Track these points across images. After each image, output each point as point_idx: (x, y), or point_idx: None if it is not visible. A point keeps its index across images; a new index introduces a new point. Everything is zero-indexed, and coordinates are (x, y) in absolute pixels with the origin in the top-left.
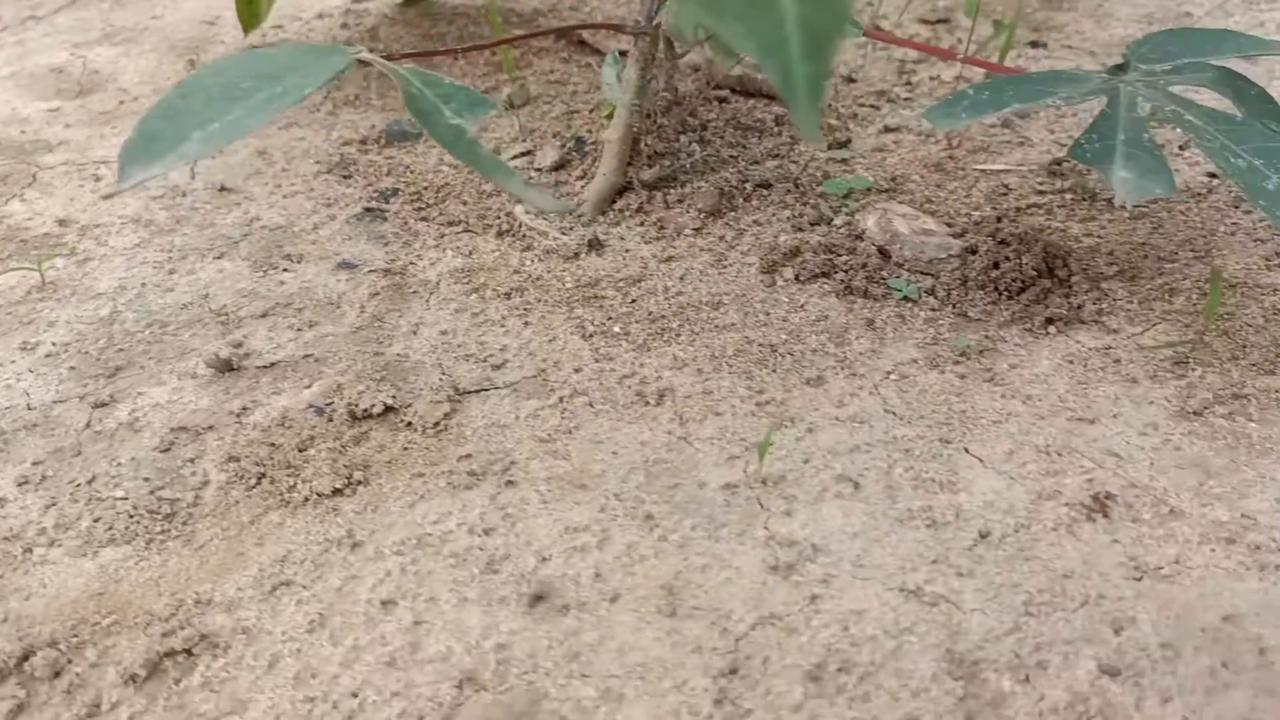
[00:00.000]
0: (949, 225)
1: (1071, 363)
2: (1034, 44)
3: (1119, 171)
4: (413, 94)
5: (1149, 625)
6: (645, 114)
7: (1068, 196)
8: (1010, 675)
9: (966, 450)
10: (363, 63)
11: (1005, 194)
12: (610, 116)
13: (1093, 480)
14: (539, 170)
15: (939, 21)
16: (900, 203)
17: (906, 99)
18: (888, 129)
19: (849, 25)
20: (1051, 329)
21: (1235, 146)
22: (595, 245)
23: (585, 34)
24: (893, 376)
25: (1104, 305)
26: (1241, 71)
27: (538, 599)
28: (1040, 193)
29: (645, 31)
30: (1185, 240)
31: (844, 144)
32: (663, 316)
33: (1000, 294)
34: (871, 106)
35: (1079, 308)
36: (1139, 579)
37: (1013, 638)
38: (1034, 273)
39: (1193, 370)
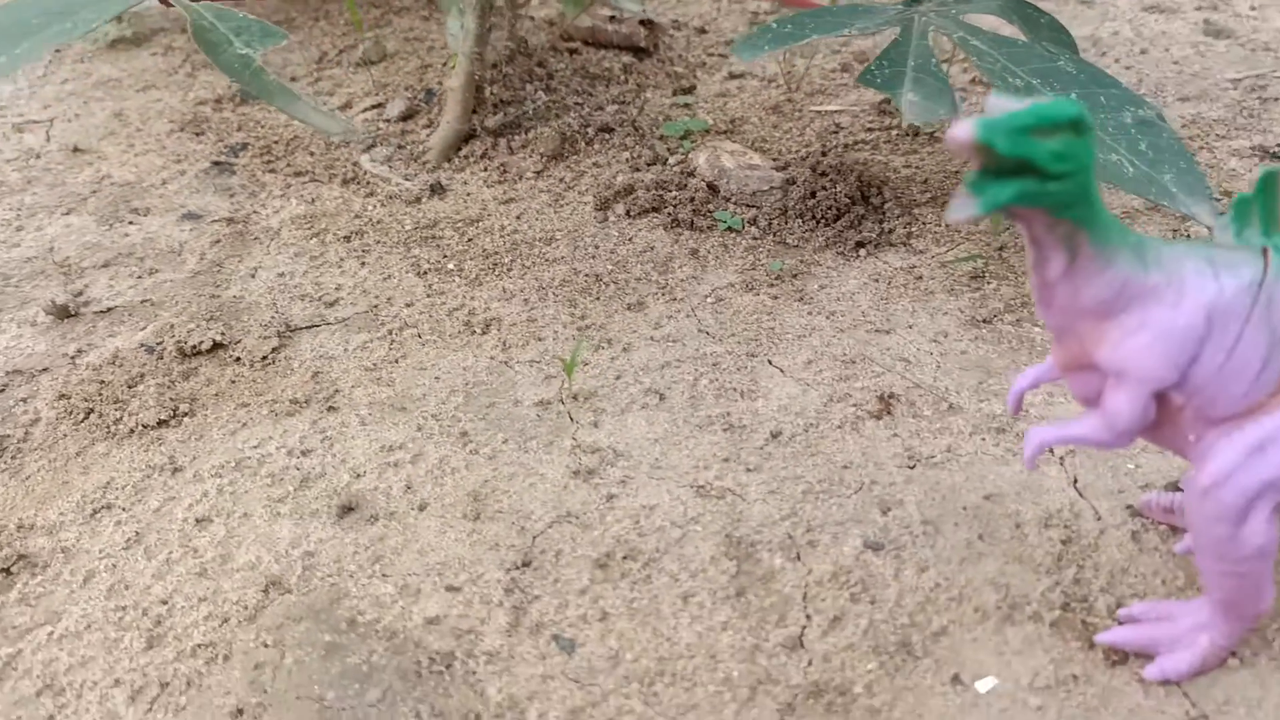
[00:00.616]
0: (774, 161)
1: (877, 281)
2: None
3: (907, 95)
4: (202, 26)
5: (915, 506)
6: (491, 63)
7: (893, 132)
8: (782, 554)
9: (770, 362)
10: (164, 2)
11: (836, 132)
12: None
13: (881, 383)
14: (387, 121)
15: None
16: (733, 142)
17: None
18: (732, 75)
19: None
20: (862, 252)
21: (1015, 68)
22: (437, 189)
23: None
24: (710, 300)
25: (913, 229)
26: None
27: (347, 510)
28: (869, 130)
29: None
30: None
31: (689, 90)
32: (496, 253)
33: (817, 221)
34: (720, 56)
35: (889, 232)
36: (912, 467)
37: (788, 522)
38: (848, 200)
39: (988, 284)
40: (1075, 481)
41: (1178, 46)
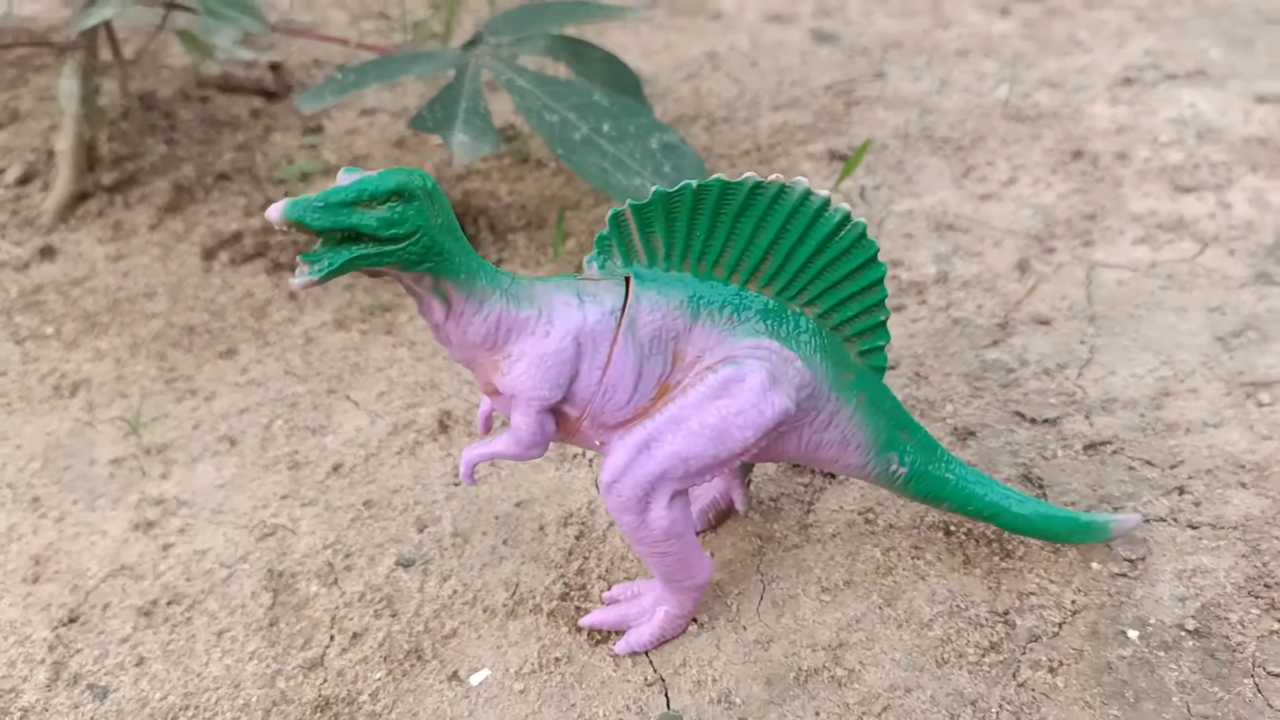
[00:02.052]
0: None
1: None
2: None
3: (459, 135)
4: None
5: (450, 521)
6: (109, 119)
7: (506, 161)
8: (319, 580)
9: (347, 397)
10: None
11: (451, 164)
12: None
13: (444, 407)
14: (5, 186)
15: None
16: None
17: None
18: (364, 112)
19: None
20: None
21: (554, 104)
22: (47, 253)
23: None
24: (301, 341)
25: (505, 254)
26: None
27: None
28: (485, 160)
29: (76, 45)
30: (590, 190)
31: (317, 130)
32: (96, 313)
33: None
34: (355, 95)
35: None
36: (456, 484)
37: (330, 550)
38: None
39: None
40: (598, 482)
41: (786, 55)
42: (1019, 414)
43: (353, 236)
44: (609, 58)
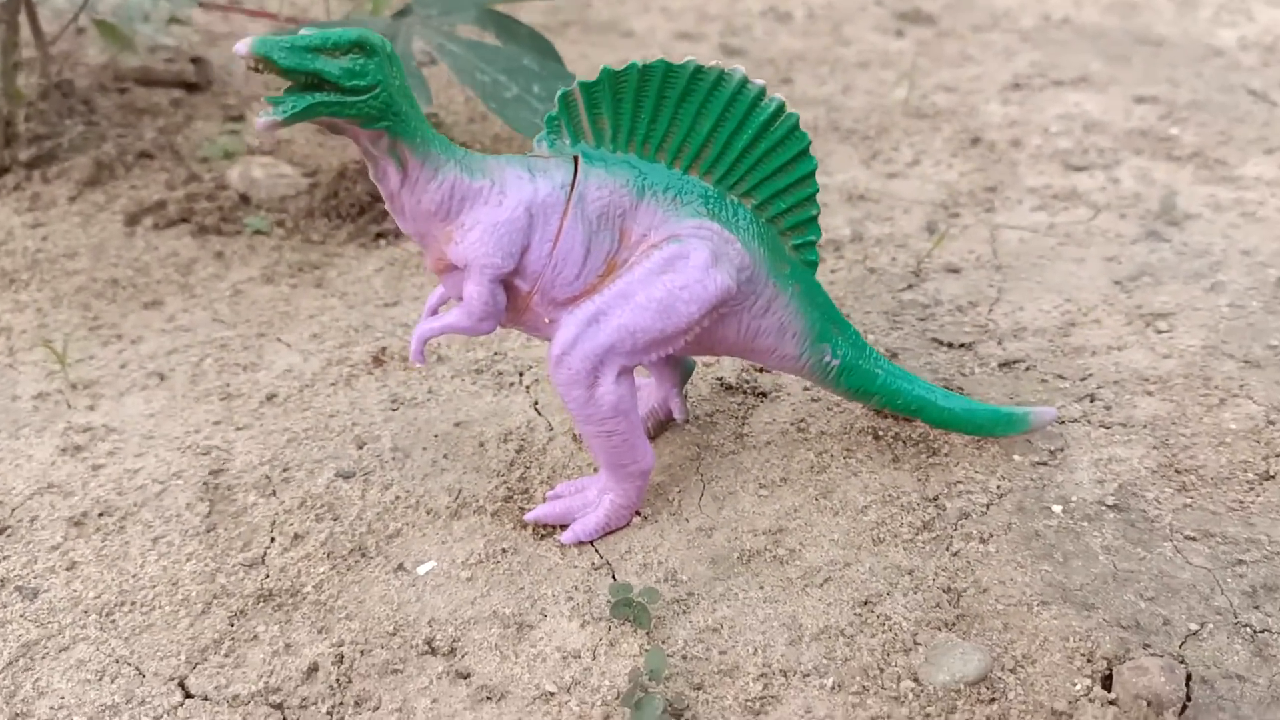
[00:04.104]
0: (305, 169)
1: (392, 265)
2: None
3: None
4: None
5: (389, 439)
6: (26, 100)
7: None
8: (256, 491)
9: (279, 339)
10: None
11: None
12: None
13: (379, 345)
14: None
15: None
16: (268, 156)
17: None
18: None
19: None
20: (382, 242)
21: (484, 66)
22: None
23: None
24: (229, 293)
25: None
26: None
27: None
28: None
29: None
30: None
31: (239, 118)
32: (14, 271)
33: (341, 218)
34: (276, 89)
35: None
36: (394, 409)
37: (267, 466)
38: (369, 198)
39: None
40: (536, 404)
41: None
42: (936, 340)
43: (315, 84)
44: (533, 33)
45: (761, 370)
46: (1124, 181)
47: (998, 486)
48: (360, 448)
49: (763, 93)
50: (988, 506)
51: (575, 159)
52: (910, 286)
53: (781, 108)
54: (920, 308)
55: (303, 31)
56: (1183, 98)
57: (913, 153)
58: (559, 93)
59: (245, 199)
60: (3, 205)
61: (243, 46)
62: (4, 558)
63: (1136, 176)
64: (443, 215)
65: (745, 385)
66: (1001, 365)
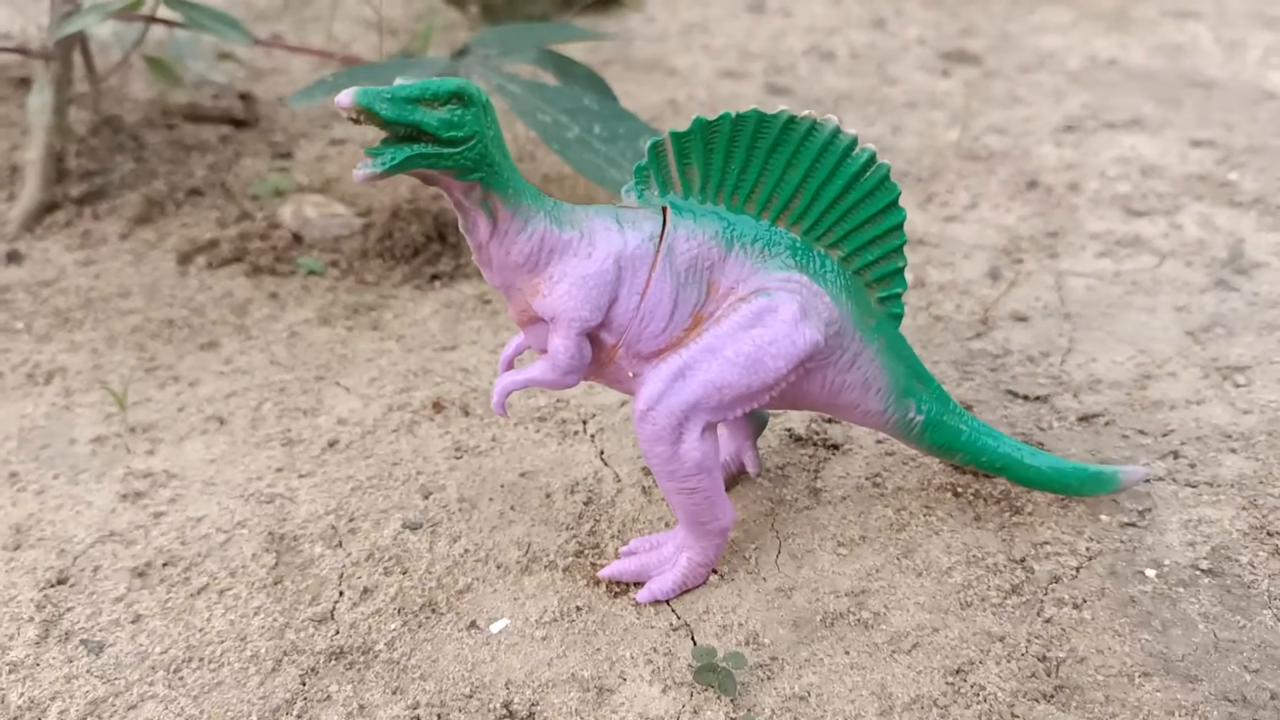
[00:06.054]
0: (357, 209)
1: (448, 307)
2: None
3: None
4: None
5: (455, 489)
6: (77, 137)
7: None
8: (323, 543)
9: (337, 383)
10: None
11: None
12: None
13: (439, 391)
14: None
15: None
16: (322, 195)
17: None
18: (334, 142)
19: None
20: (436, 284)
21: (546, 106)
22: (14, 257)
23: None
24: (285, 335)
25: None
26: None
27: None
28: None
29: (52, 55)
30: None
31: (287, 155)
32: (68, 310)
33: (395, 259)
34: (323, 126)
35: (463, 264)
36: (459, 458)
37: (333, 515)
38: (424, 239)
39: None
40: (602, 454)
41: (743, 104)
42: (1010, 392)
43: (413, 136)
44: (591, 73)
45: (830, 420)
46: (1187, 228)
47: (1087, 549)
48: (426, 497)
49: (854, 143)
50: (1078, 569)
51: (664, 210)
52: (979, 335)
53: (873, 158)
54: (991, 358)
55: (398, 81)
56: (1238, 142)
57: (969, 196)
58: (649, 142)
59: (298, 238)
60: (54, 242)
61: (345, 98)
62: (68, 609)
63: (1199, 223)
64: (530, 267)
65: (815, 437)
66: (1080, 419)
